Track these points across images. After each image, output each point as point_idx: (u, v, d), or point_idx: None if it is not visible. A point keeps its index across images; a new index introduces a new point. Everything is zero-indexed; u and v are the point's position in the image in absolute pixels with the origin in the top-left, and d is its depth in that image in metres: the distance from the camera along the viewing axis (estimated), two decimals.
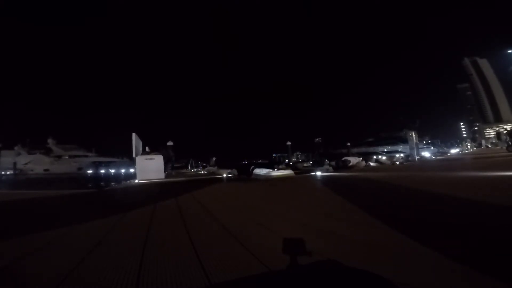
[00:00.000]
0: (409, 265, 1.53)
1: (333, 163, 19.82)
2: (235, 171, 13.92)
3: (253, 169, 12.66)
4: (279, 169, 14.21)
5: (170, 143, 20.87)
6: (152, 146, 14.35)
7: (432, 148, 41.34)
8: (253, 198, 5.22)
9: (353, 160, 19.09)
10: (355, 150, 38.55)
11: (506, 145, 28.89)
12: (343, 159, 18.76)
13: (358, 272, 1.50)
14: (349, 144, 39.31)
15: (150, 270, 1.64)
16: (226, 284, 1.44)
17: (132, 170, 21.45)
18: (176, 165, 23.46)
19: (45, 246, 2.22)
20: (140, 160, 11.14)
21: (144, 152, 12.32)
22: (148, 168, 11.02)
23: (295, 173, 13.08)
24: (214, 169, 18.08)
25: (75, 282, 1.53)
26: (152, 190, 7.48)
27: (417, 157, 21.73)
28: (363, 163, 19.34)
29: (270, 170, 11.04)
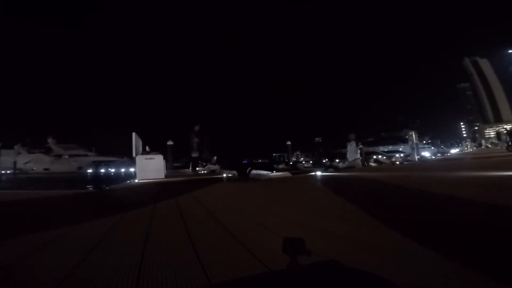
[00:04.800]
0: (409, 265, 1.54)
1: (335, 163, 19.77)
2: (234, 172, 13.87)
3: (250, 170, 12.57)
4: (277, 170, 14.23)
5: (170, 142, 20.85)
6: (152, 146, 14.28)
7: (432, 148, 41.37)
8: (253, 198, 5.23)
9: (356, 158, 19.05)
10: None
11: (506, 145, 28.87)
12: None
13: (358, 272, 1.50)
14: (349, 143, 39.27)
15: (150, 270, 1.64)
16: (226, 284, 1.44)
17: (132, 170, 21.46)
18: (176, 164, 23.43)
19: (45, 246, 2.23)
20: (140, 159, 11.08)
21: (144, 152, 12.27)
22: (148, 168, 10.96)
23: (295, 173, 13.08)
24: (214, 167, 18.03)
25: (75, 281, 1.53)
26: (152, 190, 7.47)
27: (417, 157, 21.72)
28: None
29: (269, 172, 11.01)
